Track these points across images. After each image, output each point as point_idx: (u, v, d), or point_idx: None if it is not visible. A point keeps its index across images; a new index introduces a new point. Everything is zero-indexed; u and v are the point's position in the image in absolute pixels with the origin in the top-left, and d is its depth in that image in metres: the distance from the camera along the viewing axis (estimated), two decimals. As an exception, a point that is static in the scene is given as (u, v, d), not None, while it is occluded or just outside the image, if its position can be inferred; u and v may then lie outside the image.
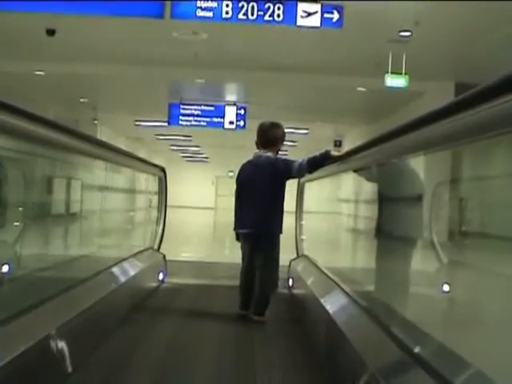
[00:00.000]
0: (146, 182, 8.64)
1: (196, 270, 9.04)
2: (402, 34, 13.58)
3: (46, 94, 21.77)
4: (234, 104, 21.58)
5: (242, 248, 6.27)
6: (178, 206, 48.49)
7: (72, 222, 6.61)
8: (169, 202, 31.57)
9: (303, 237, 8.37)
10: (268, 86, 19.29)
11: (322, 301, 5.22)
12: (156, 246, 8.15)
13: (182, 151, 45.08)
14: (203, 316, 5.96)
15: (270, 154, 6.21)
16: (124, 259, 6.36)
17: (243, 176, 6.33)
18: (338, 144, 31.34)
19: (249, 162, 6.37)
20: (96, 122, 25.64)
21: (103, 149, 5.31)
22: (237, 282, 6.31)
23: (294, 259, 8.10)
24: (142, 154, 41.87)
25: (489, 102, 2.10)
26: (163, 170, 8.37)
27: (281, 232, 6.17)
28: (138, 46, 15.87)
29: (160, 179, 8.38)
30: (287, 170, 6.01)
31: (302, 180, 8.23)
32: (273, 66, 17.23)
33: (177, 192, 51.50)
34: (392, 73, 14.29)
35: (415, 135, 3.08)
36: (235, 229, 6.34)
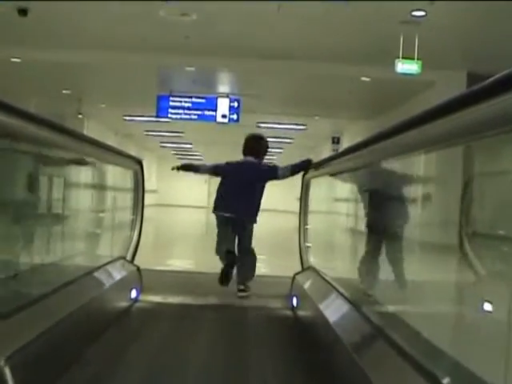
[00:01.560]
0: (120, 176, 7.12)
1: (181, 283, 7.52)
2: (416, 13, 12.15)
3: (24, 85, 20.22)
4: (227, 96, 20.17)
5: (221, 230, 7.14)
6: (170, 205, 47.56)
7: (9, 224, 5.03)
8: (160, 201, 30.27)
9: (309, 244, 6.92)
10: (263, 76, 17.86)
11: (338, 331, 3.98)
12: (129, 256, 6.63)
13: (174, 149, 43.67)
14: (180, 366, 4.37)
15: (254, 160, 7.41)
16: (82, 275, 4.89)
17: (229, 170, 7.45)
18: (335, 141, 30.05)
19: (236, 162, 7.58)
20: (80, 116, 24.08)
21: (55, 132, 3.86)
22: (231, 301, 6.39)
23: (299, 273, 6.66)
24: (132, 152, 41.15)
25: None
26: (139, 162, 6.85)
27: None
28: (124, 29, 14.40)
29: (135, 173, 6.88)
30: (272, 174, 7.29)
31: (308, 176, 6.82)
32: (269, 52, 15.83)
33: (168, 191, 51.10)
34: (403, 58, 12.82)
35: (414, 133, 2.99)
36: (217, 211, 7.16)
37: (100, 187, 6.87)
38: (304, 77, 17.61)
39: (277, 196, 49.60)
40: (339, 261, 6.68)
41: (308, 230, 7.01)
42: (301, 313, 5.78)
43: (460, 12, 12.09)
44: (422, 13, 12.09)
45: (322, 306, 4.97)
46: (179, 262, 12.40)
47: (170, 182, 51.15)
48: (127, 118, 27.55)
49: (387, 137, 3.54)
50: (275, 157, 45.80)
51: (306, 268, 6.59)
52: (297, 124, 27.19)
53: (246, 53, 15.97)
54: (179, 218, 34.71)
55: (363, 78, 16.88)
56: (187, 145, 40.59)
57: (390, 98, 19.25)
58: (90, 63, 17.04)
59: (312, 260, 6.63)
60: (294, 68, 16.62)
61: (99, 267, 5.43)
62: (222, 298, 6.40)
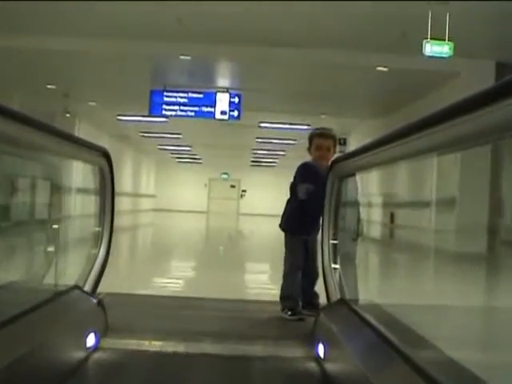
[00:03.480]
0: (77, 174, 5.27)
1: (168, 316, 5.67)
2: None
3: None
4: (227, 91, 18.38)
5: (300, 253, 5.97)
6: (169, 210, 45.83)
7: None
8: (159, 206, 28.29)
9: (336, 266, 5.10)
10: (267, 66, 16.04)
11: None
12: (90, 284, 4.75)
13: (172, 152, 41.94)
14: None
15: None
16: (5, 323, 3.07)
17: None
18: (342, 142, 28.28)
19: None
20: (68, 114, 22.19)
21: None
22: (234, 347, 4.45)
23: (326, 308, 4.84)
24: (128, 156, 39.58)
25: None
26: (106, 154, 4.97)
27: None
28: (110, 12, 12.64)
29: (101, 170, 5.02)
30: None
31: (340, 170, 5.06)
32: (274, 39, 14.13)
33: (167, 195, 49.42)
34: (432, 39, 11.00)
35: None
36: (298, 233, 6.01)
37: (40, 188, 5.00)
38: (312, 67, 15.82)
39: (278, 200, 48.47)
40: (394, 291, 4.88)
41: (337, 245, 5.19)
42: (331, 367, 3.98)
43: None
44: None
45: (365, 364, 3.23)
46: (171, 282, 10.31)
47: (170, 186, 49.68)
48: (121, 117, 25.64)
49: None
50: (277, 160, 44.14)
51: (335, 301, 4.75)
52: (301, 124, 25.39)
53: (247, 39, 14.24)
54: (178, 224, 32.85)
55: (379, 68, 15.04)
56: (186, 147, 38.80)
57: (407, 92, 17.45)
58: (75, 52, 15.18)
59: (346, 290, 4.79)
60: (302, 56, 14.86)
61: (35, 307, 3.60)
62: (222, 341, 4.57)
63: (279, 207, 29.03)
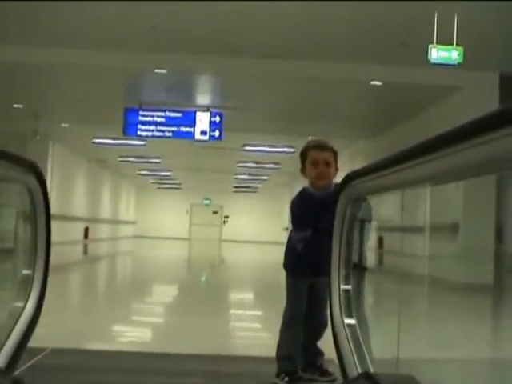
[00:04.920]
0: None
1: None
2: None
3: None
4: (208, 109, 17.05)
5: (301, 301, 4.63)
6: (149, 237, 44.45)
7: None
8: (138, 233, 26.79)
9: (352, 321, 3.76)
10: (251, 80, 14.74)
11: None
12: (4, 357, 3.29)
13: (153, 177, 40.66)
14: None
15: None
16: None
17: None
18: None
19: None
20: (38, 136, 20.79)
21: None
22: None
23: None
24: (107, 181, 38.28)
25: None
26: (36, 170, 3.58)
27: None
28: (77, 16, 11.30)
29: (30, 192, 3.65)
30: None
31: (353, 194, 3.77)
32: (258, 50, 12.82)
33: (148, 221, 48.11)
34: (439, 43, 9.73)
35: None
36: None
37: None
38: (300, 81, 14.48)
39: (261, 226, 47.39)
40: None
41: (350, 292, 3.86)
42: None
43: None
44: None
45: None
46: (141, 329, 8.60)
47: (150, 212, 48.53)
48: (97, 140, 24.30)
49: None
50: (260, 185, 43.01)
51: (357, 377, 3.35)
52: (286, 146, 24.19)
53: (229, 50, 12.93)
54: (157, 252, 31.39)
55: (373, 82, 13.75)
56: (166, 172, 37.53)
57: (403, 109, 16.16)
58: (41, 65, 13.74)
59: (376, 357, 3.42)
60: (288, 69, 13.56)
61: None
62: None
63: (263, 233, 28.11)
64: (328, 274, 4.24)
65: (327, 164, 4.48)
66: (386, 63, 13.07)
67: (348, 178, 3.83)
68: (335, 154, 4.57)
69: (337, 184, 4.46)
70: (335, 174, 4.54)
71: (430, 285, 13.49)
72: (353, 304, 3.86)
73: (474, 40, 10.76)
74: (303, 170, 4.61)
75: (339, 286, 3.95)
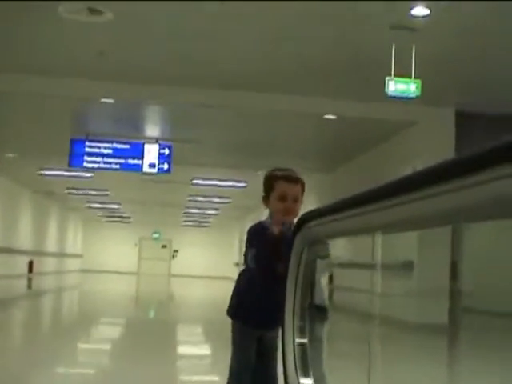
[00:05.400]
0: None
1: None
2: (416, 13, 8.77)
3: None
4: (156, 141, 16.57)
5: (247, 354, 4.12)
6: (97, 271, 43.61)
7: None
8: (85, 267, 26.01)
9: (309, 381, 3.30)
10: (201, 112, 14.25)
11: None
12: None
13: (101, 209, 39.98)
14: None
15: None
16: None
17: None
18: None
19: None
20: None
21: None
22: None
23: None
24: (53, 213, 37.39)
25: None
26: None
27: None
28: (25, 39, 10.75)
29: None
30: None
31: (308, 237, 3.33)
32: (208, 80, 12.39)
33: (95, 255, 47.23)
34: (396, 75, 9.39)
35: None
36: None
37: None
38: (251, 114, 14.10)
39: (211, 261, 46.88)
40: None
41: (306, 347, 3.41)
42: None
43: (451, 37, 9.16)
44: (426, 12, 8.71)
45: None
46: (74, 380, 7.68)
47: (98, 245, 47.82)
48: (43, 172, 23.67)
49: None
50: (210, 219, 42.56)
51: None
52: (237, 180, 23.80)
53: (179, 79, 12.48)
54: (102, 288, 30.55)
55: (327, 116, 13.39)
56: (114, 205, 36.86)
57: (357, 143, 15.85)
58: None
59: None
60: (239, 101, 13.15)
61: None
62: None
63: (212, 268, 27.49)
64: (281, 325, 3.78)
65: (295, 200, 4.06)
66: (341, 97, 12.75)
67: (302, 220, 3.38)
68: (303, 186, 4.15)
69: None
70: (299, 208, 4.12)
71: (385, 325, 13.08)
72: (310, 360, 3.39)
73: (430, 75, 10.43)
74: (266, 200, 4.14)
75: (293, 340, 3.48)
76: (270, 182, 4.10)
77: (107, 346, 10.83)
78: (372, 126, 14.05)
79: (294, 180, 4.11)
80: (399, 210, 2.11)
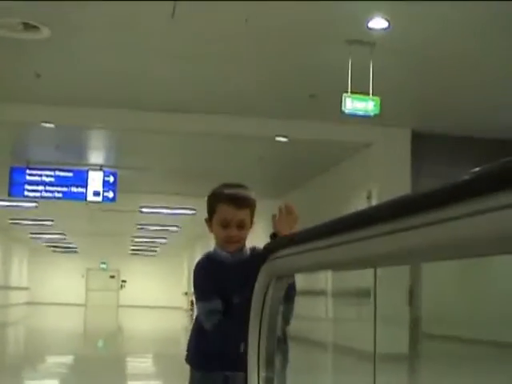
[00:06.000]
0: None
1: None
2: (374, 26, 8.30)
3: None
4: (100, 168, 15.89)
5: None
6: (43, 303, 42.49)
7: None
8: (32, 299, 25.10)
9: None
10: (147, 137, 13.67)
11: None
12: None
13: (46, 240, 39.01)
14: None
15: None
16: None
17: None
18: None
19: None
20: None
21: None
22: None
23: None
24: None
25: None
26: None
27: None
28: None
29: None
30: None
31: (276, 271, 2.71)
32: (154, 102, 11.80)
33: (42, 287, 46.04)
34: (353, 92, 8.88)
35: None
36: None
37: None
38: (199, 137, 13.49)
39: (160, 290, 46.01)
40: None
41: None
42: None
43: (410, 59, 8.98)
44: (385, 25, 8.24)
45: None
46: None
47: (44, 277, 46.68)
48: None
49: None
50: (158, 248, 41.84)
51: None
52: (185, 208, 23.20)
53: (123, 102, 11.87)
54: (50, 321, 29.60)
55: (279, 138, 12.85)
56: (60, 235, 35.95)
57: (309, 167, 15.36)
58: None
59: None
60: (187, 124, 12.56)
61: None
62: None
63: (162, 298, 26.71)
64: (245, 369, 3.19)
65: (241, 226, 3.34)
66: (293, 117, 12.24)
67: (267, 251, 2.78)
68: (253, 209, 3.44)
69: (254, 249, 3.43)
70: (249, 231, 3.45)
71: (341, 354, 12.58)
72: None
73: (388, 93, 9.98)
74: (209, 224, 3.40)
75: (259, 393, 2.88)
76: (211, 204, 3.40)
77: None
78: (326, 148, 13.61)
79: (240, 203, 3.38)
80: (399, 238, 1.58)
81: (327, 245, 2.10)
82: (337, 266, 2.43)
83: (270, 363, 2.98)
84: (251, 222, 3.42)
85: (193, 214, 24.08)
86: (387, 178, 12.78)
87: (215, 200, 3.36)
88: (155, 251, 43.97)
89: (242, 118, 12.38)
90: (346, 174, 14.40)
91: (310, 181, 16.67)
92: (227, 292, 3.29)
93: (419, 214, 1.33)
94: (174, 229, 30.26)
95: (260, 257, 2.88)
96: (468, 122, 12.29)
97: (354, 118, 9.46)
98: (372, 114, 8.99)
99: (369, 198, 13.11)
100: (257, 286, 2.89)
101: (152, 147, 14.76)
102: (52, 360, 14.07)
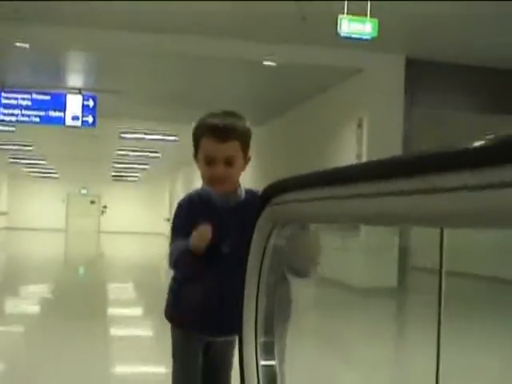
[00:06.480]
0: None
1: None
2: None
3: None
4: (80, 92, 15.30)
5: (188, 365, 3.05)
6: (22, 228, 41.96)
7: None
8: (11, 224, 24.53)
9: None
10: (128, 59, 13.06)
11: None
12: None
13: (26, 165, 38.31)
14: None
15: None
16: None
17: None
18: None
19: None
20: None
21: None
22: None
23: None
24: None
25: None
26: None
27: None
28: None
29: None
30: None
31: (282, 217, 2.17)
32: (136, 21, 11.14)
33: (21, 212, 45.48)
34: (349, 14, 8.29)
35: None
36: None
37: None
38: (184, 60, 12.92)
39: (141, 216, 45.63)
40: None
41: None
42: None
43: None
44: None
45: None
46: None
47: (24, 202, 46.02)
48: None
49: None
50: (139, 174, 41.33)
51: None
52: (168, 134, 22.62)
53: (103, 21, 11.21)
54: (30, 246, 29.15)
55: (267, 63, 12.25)
56: (39, 160, 35.25)
57: (296, 93, 14.79)
58: None
59: None
60: (171, 45, 11.95)
61: None
62: None
63: (143, 224, 26.29)
64: (235, 331, 2.72)
65: (229, 162, 2.82)
66: (282, 41, 11.63)
67: (270, 192, 2.24)
68: (244, 139, 2.87)
69: (251, 191, 2.92)
70: (244, 168, 2.92)
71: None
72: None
73: (379, 19, 9.37)
74: (196, 157, 2.91)
75: (257, 362, 2.41)
76: (195, 137, 2.90)
77: (31, 311, 9.79)
78: (315, 74, 13.03)
79: (224, 135, 2.81)
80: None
81: (349, 194, 1.62)
82: (358, 220, 1.91)
83: (269, 326, 2.51)
84: (245, 159, 2.89)
85: (175, 141, 23.54)
86: (379, 106, 12.28)
87: (198, 133, 2.86)
88: (137, 177, 43.47)
89: (229, 40, 11.77)
90: (336, 101, 13.87)
91: (296, 107, 16.12)
92: (214, 238, 2.76)
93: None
94: (156, 155, 29.70)
95: (260, 199, 2.38)
96: (466, 49, 11.75)
97: (345, 42, 8.88)
98: (369, 37, 8.42)
99: (360, 126, 12.62)
100: (255, 234, 2.40)
101: (134, 70, 14.14)
102: (31, 287, 13.72)
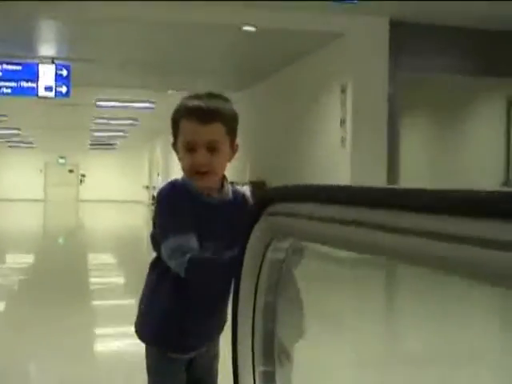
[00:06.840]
0: None
1: None
2: None
3: None
4: (53, 61, 14.84)
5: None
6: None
7: None
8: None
9: None
10: (101, 25, 12.54)
11: None
12: None
13: (1, 136, 37.74)
14: None
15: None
16: None
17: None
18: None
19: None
20: None
21: None
22: None
23: None
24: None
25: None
26: None
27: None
28: None
29: None
30: None
31: (273, 226, 1.77)
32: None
33: (-2, 182, 44.96)
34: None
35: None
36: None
37: None
38: (159, 26, 12.45)
39: (120, 184, 45.25)
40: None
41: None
42: None
43: None
44: None
45: None
46: None
47: (1, 172, 45.38)
48: None
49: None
50: (117, 142, 40.90)
51: None
52: (144, 101, 22.21)
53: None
54: (6, 217, 28.71)
55: (246, 28, 11.80)
56: (14, 130, 34.64)
57: (277, 58, 14.35)
58: None
59: None
60: (146, 11, 11.45)
61: None
62: None
63: (122, 192, 25.88)
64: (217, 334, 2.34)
65: (212, 148, 2.38)
66: (261, 5, 11.16)
67: (265, 200, 1.83)
68: (230, 123, 2.44)
69: (238, 192, 2.53)
70: (231, 158, 2.48)
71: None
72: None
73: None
74: (175, 146, 2.48)
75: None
76: (174, 121, 2.46)
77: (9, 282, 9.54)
78: (296, 39, 12.58)
79: (206, 117, 2.37)
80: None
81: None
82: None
83: (269, 354, 2.15)
84: (232, 147, 2.46)
85: (151, 108, 23.18)
86: (363, 70, 11.91)
87: (177, 115, 2.43)
88: (115, 145, 43.04)
89: (206, 5, 11.28)
90: (319, 66, 13.47)
91: (278, 74, 15.71)
92: (204, 233, 2.34)
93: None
94: (133, 122, 29.30)
95: (251, 208, 1.99)
96: (454, 10, 11.29)
97: (333, 6, 8.46)
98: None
99: (343, 91, 12.23)
100: (249, 249, 2.03)
101: (108, 37, 13.63)
102: (11, 257, 13.60)
